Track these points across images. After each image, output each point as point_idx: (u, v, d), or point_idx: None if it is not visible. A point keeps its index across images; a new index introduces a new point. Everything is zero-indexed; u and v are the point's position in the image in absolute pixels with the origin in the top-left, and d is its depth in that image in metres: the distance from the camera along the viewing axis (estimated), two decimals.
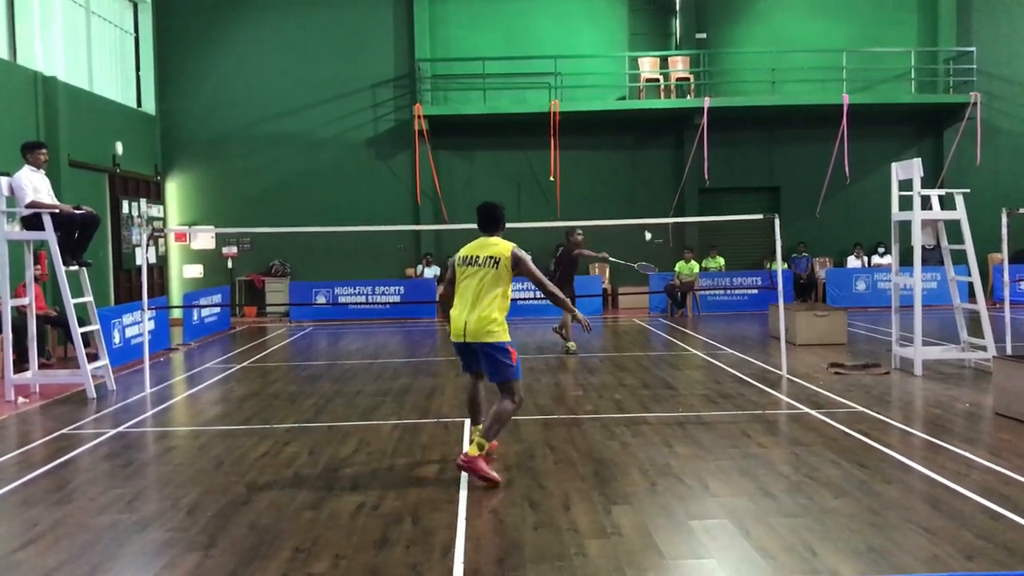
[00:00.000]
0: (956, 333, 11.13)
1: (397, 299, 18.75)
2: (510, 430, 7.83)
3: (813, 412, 8.33)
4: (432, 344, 14.67)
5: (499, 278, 6.22)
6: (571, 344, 13.12)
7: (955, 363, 10.90)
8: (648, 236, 17.72)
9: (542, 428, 7.90)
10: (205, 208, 20.50)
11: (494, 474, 6.05)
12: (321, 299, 18.81)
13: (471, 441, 6.23)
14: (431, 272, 19.77)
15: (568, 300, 6.83)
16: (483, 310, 6.16)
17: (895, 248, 11.35)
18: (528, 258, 6.39)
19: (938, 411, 8.35)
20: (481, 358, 6.30)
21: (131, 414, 9.04)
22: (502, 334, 6.22)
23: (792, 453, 6.81)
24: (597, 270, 20.48)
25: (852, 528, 5.07)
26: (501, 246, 6.29)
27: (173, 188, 20.54)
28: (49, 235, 9.86)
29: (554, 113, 19.53)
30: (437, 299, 6.26)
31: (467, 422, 8.18)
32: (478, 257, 6.26)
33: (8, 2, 15.17)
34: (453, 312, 6.31)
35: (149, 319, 12.38)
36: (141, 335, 12.17)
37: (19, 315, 11.26)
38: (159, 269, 19.99)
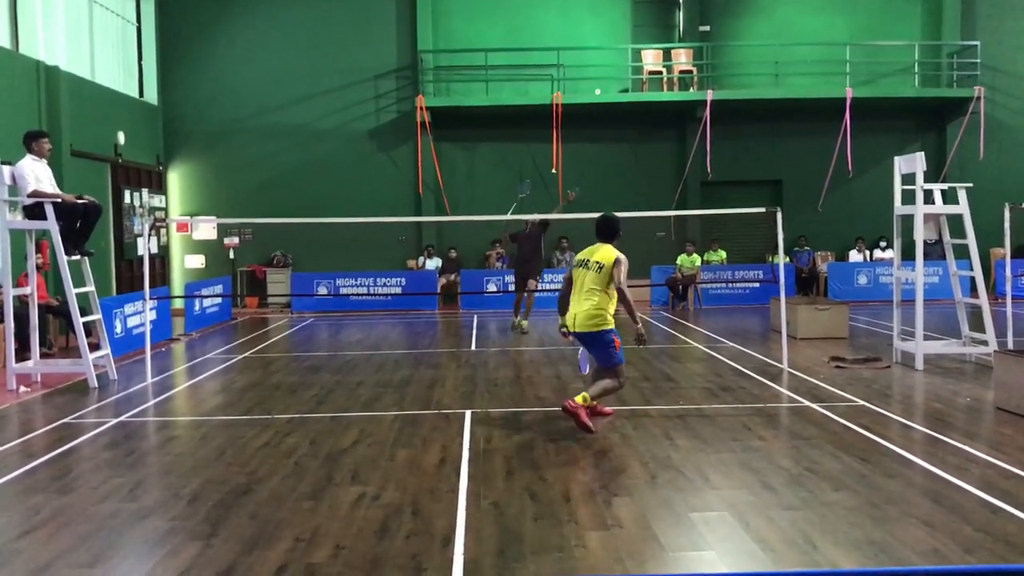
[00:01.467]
0: (957, 328, 11.13)
1: (399, 290, 18.76)
2: (510, 422, 7.86)
3: (814, 406, 8.34)
4: (433, 336, 14.68)
5: (602, 279, 7.30)
6: (524, 323, 14.31)
7: (956, 358, 10.90)
8: (661, 234, 17.84)
9: (543, 420, 7.91)
10: (207, 198, 20.49)
11: (591, 424, 7.14)
12: (323, 290, 18.81)
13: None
14: (432, 264, 19.77)
15: (637, 312, 7.46)
16: (588, 305, 7.28)
17: (897, 242, 11.34)
18: (625, 266, 7.32)
19: (939, 405, 8.35)
20: (589, 344, 7.46)
21: (132, 404, 9.06)
22: (605, 325, 7.29)
23: (793, 446, 6.82)
24: None
25: (852, 521, 5.08)
26: (607, 252, 7.39)
27: (175, 178, 20.52)
28: (51, 224, 9.86)
29: (556, 105, 19.50)
30: (558, 298, 7.75)
31: (468, 413, 8.22)
32: (588, 261, 7.45)
33: None
34: (570, 308, 7.48)
35: (151, 309, 12.39)
36: (143, 325, 12.18)
37: (21, 304, 11.27)
38: (161, 259, 19.99)
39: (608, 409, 7.90)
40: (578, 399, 7.18)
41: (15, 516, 5.47)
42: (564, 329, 7.60)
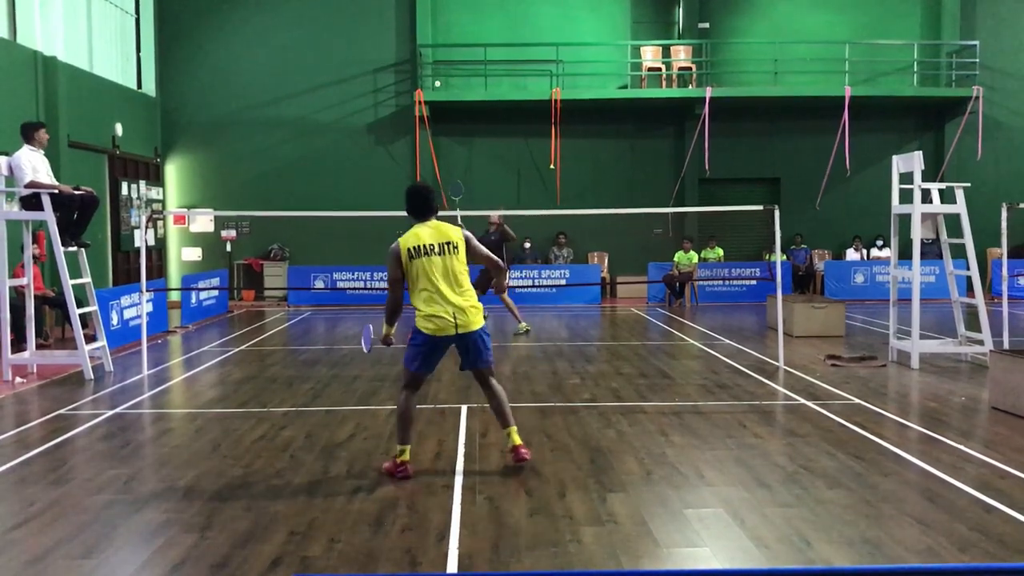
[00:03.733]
0: (953, 327, 11.15)
1: None
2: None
3: (809, 403, 8.35)
4: None
5: (462, 261, 6.04)
6: (523, 324, 13.85)
7: (952, 357, 10.92)
8: (658, 231, 17.79)
9: (539, 416, 7.91)
10: (204, 191, 20.45)
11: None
12: (319, 284, 18.80)
13: (509, 436, 6.13)
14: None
15: (501, 262, 6.64)
16: (471, 298, 6.07)
17: (894, 241, 11.35)
18: (472, 236, 6.24)
19: (934, 404, 8.36)
20: (470, 347, 6.08)
21: (128, 395, 9.05)
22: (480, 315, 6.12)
23: (788, 444, 6.83)
24: (596, 259, 20.49)
25: (846, 519, 5.09)
26: (450, 230, 6.07)
27: (172, 170, 20.49)
28: (48, 215, 9.84)
29: (555, 101, 19.48)
30: (387, 306, 6.37)
31: (464, 408, 8.21)
32: (435, 245, 5.95)
33: None
34: (429, 309, 5.94)
35: (147, 301, 12.37)
36: (139, 317, 12.17)
37: (17, 295, 11.26)
38: (158, 251, 19.97)
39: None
40: (518, 440, 6.13)
41: (10, 507, 5.47)
42: (392, 340, 6.45)
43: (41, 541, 4.84)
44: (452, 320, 5.92)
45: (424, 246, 5.93)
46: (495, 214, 14.02)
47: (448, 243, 5.96)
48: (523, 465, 6.09)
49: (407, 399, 6.13)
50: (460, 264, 6.01)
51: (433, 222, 6.06)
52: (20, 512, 5.34)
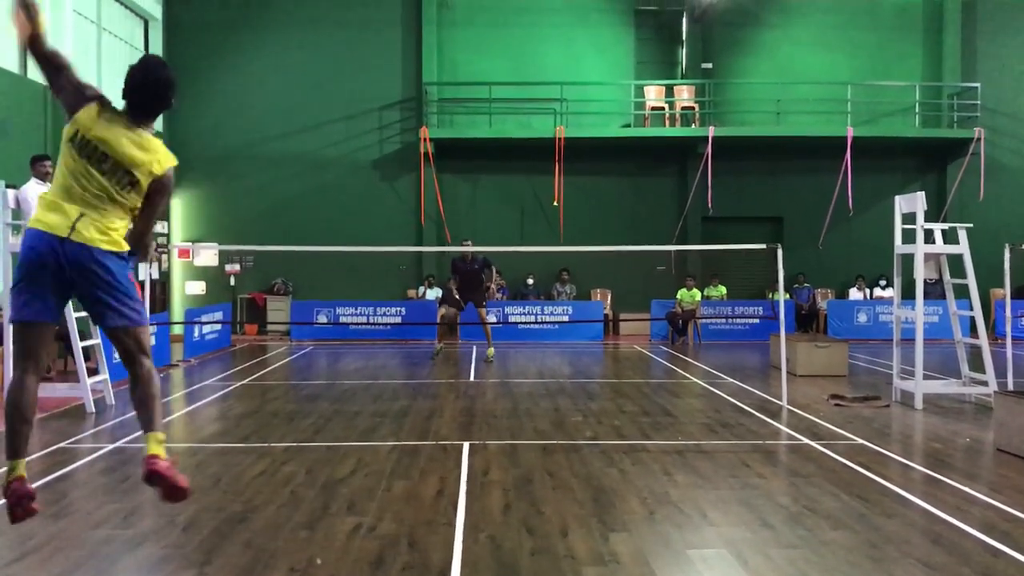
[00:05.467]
0: (957, 367, 11.11)
1: (398, 320, 18.74)
2: (508, 454, 7.80)
3: (813, 443, 8.30)
4: (432, 366, 14.64)
5: (137, 195, 4.24)
6: (491, 351, 14.95)
7: (956, 397, 10.87)
8: (661, 269, 17.83)
9: (541, 453, 7.87)
10: (209, 225, 20.55)
11: (182, 479, 4.28)
12: (322, 318, 18.80)
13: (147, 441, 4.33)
14: (433, 294, 19.77)
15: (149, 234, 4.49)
16: (105, 218, 4.13)
17: (897, 281, 11.36)
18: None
19: (938, 445, 8.32)
20: (92, 283, 4.12)
21: (129, 429, 9.02)
22: (123, 245, 4.21)
23: (791, 484, 6.78)
24: (599, 296, 20.50)
25: (851, 561, 5.04)
26: (159, 148, 4.33)
27: (178, 204, 20.59)
28: None
29: (559, 139, 19.61)
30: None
31: (466, 445, 8.17)
32: (107, 152, 4.14)
33: None
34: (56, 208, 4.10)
35: (150, 334, 12.37)
36: None
37: None
38: (161, 285, 20.01)
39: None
40: (158, 450, 4.22)
41: (8, 541, 5.43)
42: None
43: None
44: (70, 222, 4.04)
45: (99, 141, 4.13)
46: (468, 248, 14.82)
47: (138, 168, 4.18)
48: (160, 484, 4.24)
49: (19, 380, 4.14)
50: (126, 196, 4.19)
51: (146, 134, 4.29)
52: (18, 546, 5.30)
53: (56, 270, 4.05)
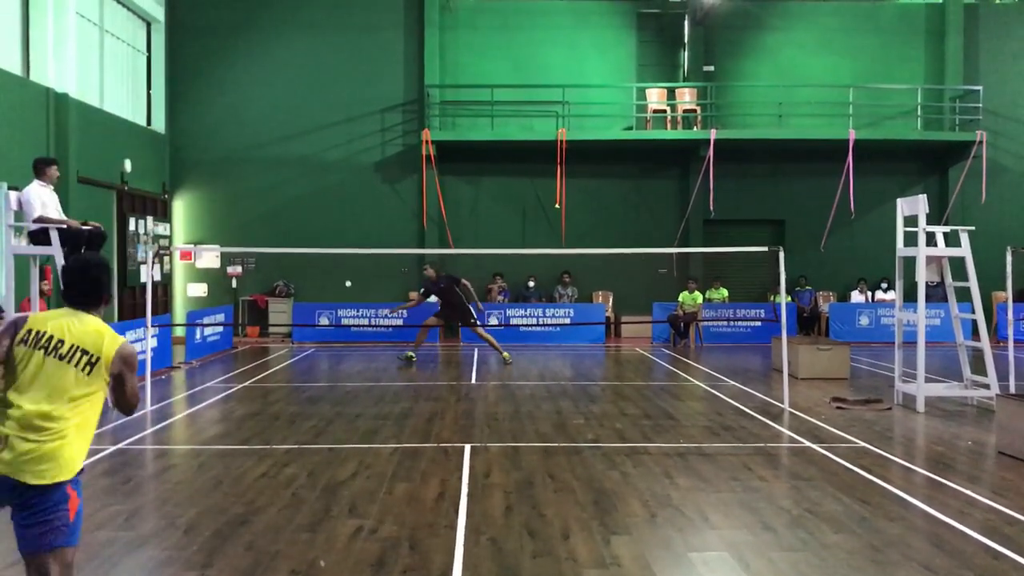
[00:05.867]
0: (959, 370, 11.10)
1: (400, 322, 18.73)
2: (510, 457, 7.80)
3: (815, 446, 8.30)
4: (433, 369, 14.65)
5: (92, 381, 3.71)
6: (506, 355, 14.99)
7: (958, 400, 10.86)
8: (663, 271, 17.82)
9: (542, 456, 7.87)
10: (211, 227, 20.55)
11: None
12: (324, 320, 18.81)
13: None
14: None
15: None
16: (48, 424, 3.59)
17: (899, 284, 11.35)
18: (135, 361, 3.88)
19: (940, 448, 8.31)
20: (23, 500, 3.56)
21: (131, 431, 9.03)
22: (65, 469, 3.59)
23: (793, 487, 6.78)
24: (600, 298, 20.50)
25: (852, 564, 5.04)
26: (101, 330, 3.77)
27: (180, 206, 20.61)
28: (55, 250, 9.89)
29: (561, 141, 19.62)
30: None
31: (467, 447, 8.17)
32: (57, 341, 3.69)
33: (23, 19, 15.32)
34: None
35: (152, 336, 12.39)
36: (144, 352, 12.16)
37: None
38: (163, 287, 20.02)
39: None
40: None
41: (8, 543, 5.42)
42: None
43: None
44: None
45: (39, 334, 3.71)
46: (429, 270, 15.36)
47: (78, 348, 3.69)
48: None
49: None
50: (76, 383, 3.67)
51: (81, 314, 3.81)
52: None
53: None
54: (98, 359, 3.71)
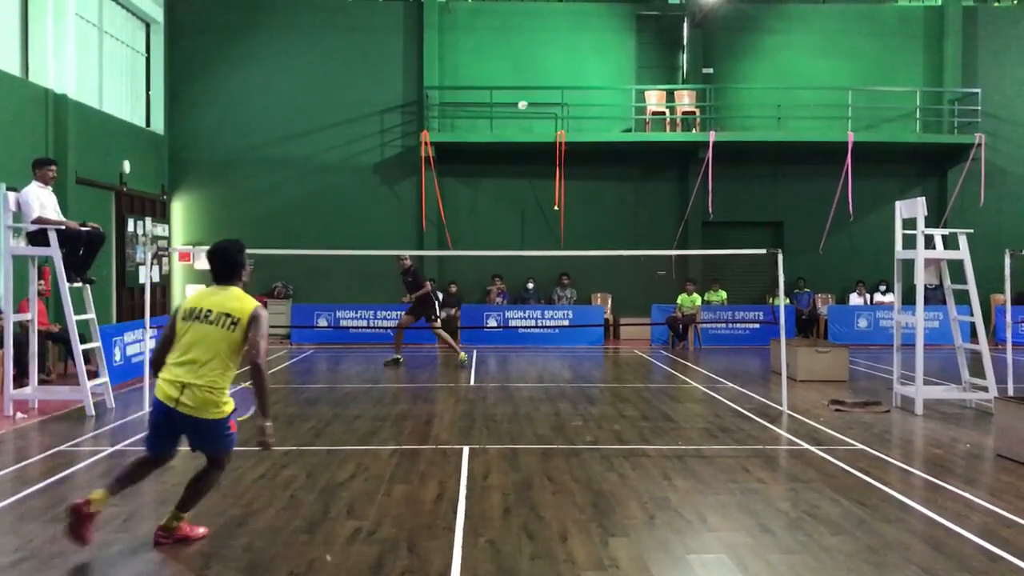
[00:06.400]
0: (957, 373, 11.11)
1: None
2: (508, 458, 7.81)
3: (813, 449, 8.30)
4: (432, 370, 14.64)
5: (234, 343, 5.18)
6: (462, 355, 14.92)
7: (956, 403, 10.87)
8: (662, 273, 17.80)
9: (541, 458, 7.87)
10: (210, 228, 20.53)
11: (199, 530, 5.52)
12: (323, 322, 18.81)
13: (176, 518, 5.47)
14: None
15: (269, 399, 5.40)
16: (205, 379, 5.13)
17: (898, 286, 11.36)
18: (266, 325, 5.25)
19: (939, 451, 8.31)
20: (195, 433, 5.28)
21: (129, 432, 9.02)
22: (225, 410, 5.25)
23: (791, 489, 6.78)
24: (599, 300, 20.50)
25: (851, 567, 5.04)
26: (239, 299, 5.27)
27: (179, 208, 20.61)
28: (54, 251, 9.89)
29: (560, 143, 19.62)
30: (152, 360, 5.38)
31: (466, 449, 8.17)
32: (206, 312, 5.20)
33: (22, 20, 15.32)
34: (165, 374, 5.22)
35: (151, 337, 12.37)
36: (142, 353, 12.18)
37: (21, 330, 11.26)
38: (162, 288, 20.02)
39: (201, 529, 5.56)
40: (174, 524, 5.43)
41: (8, 544, 5.43)
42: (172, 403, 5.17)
43: None
44: (177, 394, 5.13)
45: (199, 310, 5.25)
46: (406, 256, 14.92)
47: (227, 315, 5.19)
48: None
49: (140, 462, 5.46)
50: (227, 342, 5.18)
51: (224, 288, 5.36)
52: (18, 549, 5.30)
53: None
54: (238, 320, 5.16)
